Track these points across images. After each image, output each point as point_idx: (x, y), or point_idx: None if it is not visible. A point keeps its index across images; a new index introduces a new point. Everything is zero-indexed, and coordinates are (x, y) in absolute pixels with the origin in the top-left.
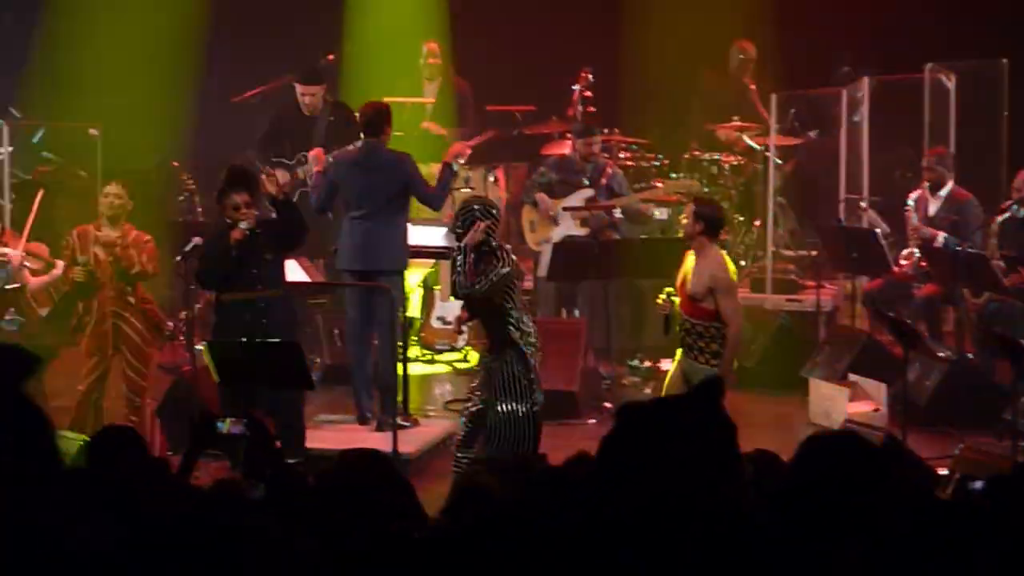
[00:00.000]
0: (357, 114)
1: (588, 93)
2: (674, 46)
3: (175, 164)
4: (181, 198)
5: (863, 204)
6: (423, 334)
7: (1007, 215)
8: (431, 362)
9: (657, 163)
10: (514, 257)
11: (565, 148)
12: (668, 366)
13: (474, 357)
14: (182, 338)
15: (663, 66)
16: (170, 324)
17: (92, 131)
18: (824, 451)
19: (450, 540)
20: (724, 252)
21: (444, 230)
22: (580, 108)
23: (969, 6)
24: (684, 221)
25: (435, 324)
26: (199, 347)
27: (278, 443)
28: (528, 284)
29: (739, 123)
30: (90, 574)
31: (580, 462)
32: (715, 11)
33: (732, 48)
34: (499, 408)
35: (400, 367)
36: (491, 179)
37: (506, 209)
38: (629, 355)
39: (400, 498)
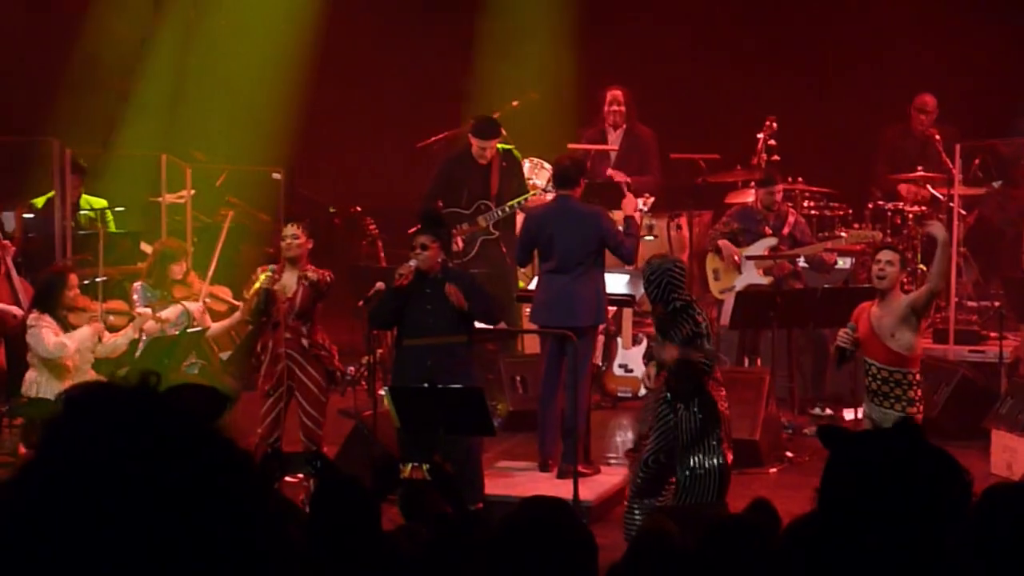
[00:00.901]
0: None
1: (772, 142)
2: (857, 95)
3: (358, 209)
4: (364, 243)
5: None
6: (605, 382)
7: None
8: (612, 408)
9: (841, 212)
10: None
11: (748, 197)
12: (850, 415)
13: None
14: (364, 383)
15: (847, 115)
16: (351, 369)
17: (275, 175)
18: (1005, 502)
19: None
20: None
21: (627, 277)
22: (764, 156)
23: None
24: (886, 268)
25: (617, 372)
26: (381, 392)
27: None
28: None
29: (922, 173)
30: None
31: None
32: (897, 63)
33: (915, 102)
34: (691, 461)
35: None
36: (675, 227)
37: (689, 258)
38: (811, 404)
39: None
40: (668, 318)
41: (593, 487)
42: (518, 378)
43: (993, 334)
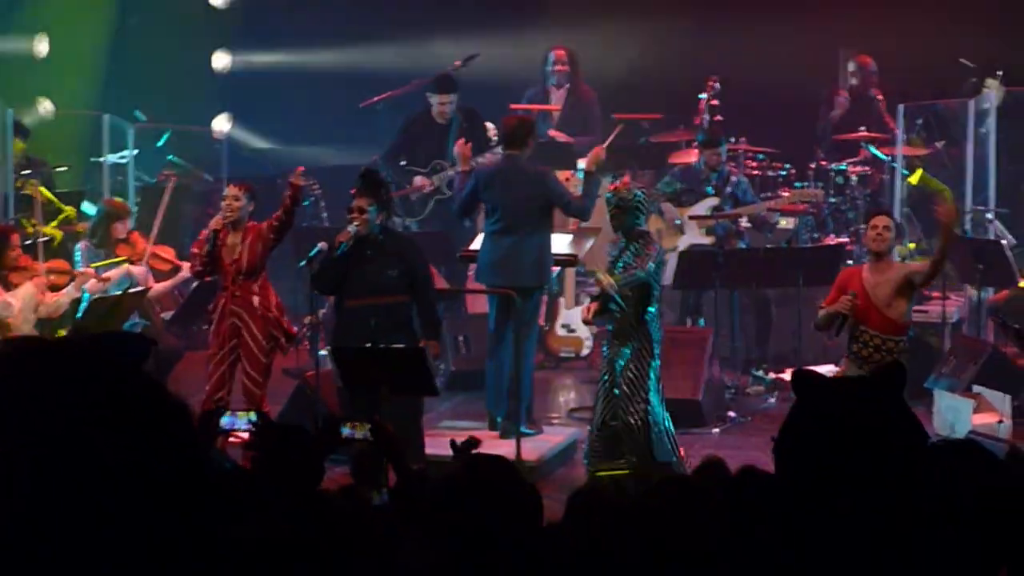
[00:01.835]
0: (490, 124)
1: (715, 102)
2: (797, 55)
3: (301, 169)
4: (306, 203)
5: (990, 215)
6: (548, 342)
7: None
8: (555, 368)
9: (784, 172)
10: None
11: (691, 157)
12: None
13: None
14: (307, 343)
15: (789, 75)
16: (294, 329)
17: (218, 135)
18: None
19: (569, 547)
20: None
21: (570, 237)
22: (707, 117)
23: None
24: (884, 233)
25: (560, 332)
26: (323, 352)
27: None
28: None
29: (865, 133)
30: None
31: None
32: (836, 22)
33: (852, 63)
34: (638, 407)
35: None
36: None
37: None
38: (754, 365)
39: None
40: (627, 245)
41: (536, 447)
42: (461, 338)
43: (936, 294)
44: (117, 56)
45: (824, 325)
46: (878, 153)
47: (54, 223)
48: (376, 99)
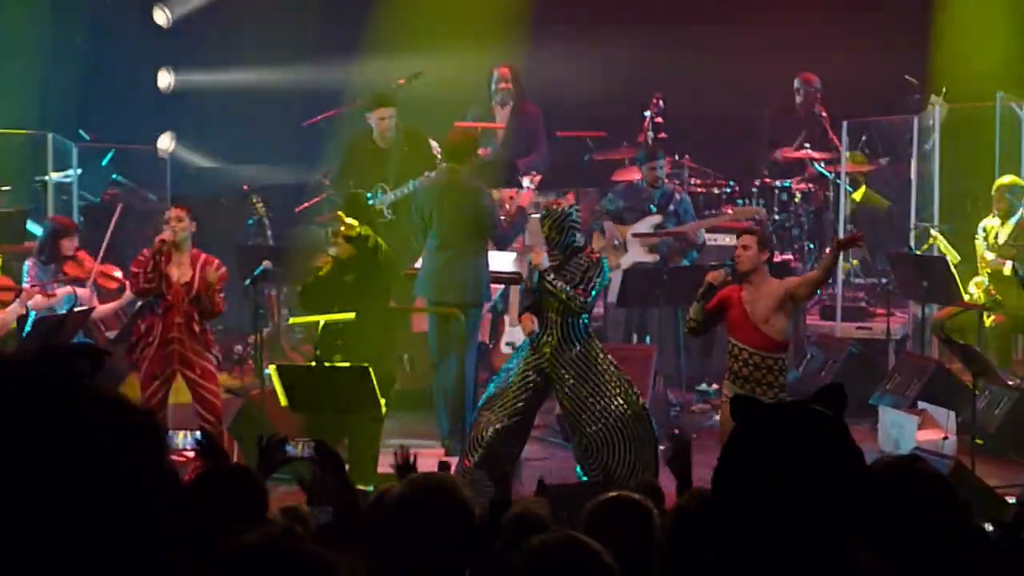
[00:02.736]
0: (435, 143)
1: (659, 119)
2: (742, 73)
3: (245, 188)
4: (251, 222)
5: (933, 232)
6: (492, 359)
7: None
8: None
9: (728, 190)
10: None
11: (635, 175)
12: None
13: None
14: (251, 362)
15: (733, 92)
16: (238, 348)
17: (162, 154)
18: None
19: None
20: None
21: (514, 255)
22: (651, 134)
23: None
24: (741, 253)
25: (504, 349)
26: (267, 371)
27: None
28: (598, 310)
29: (808, 152)
30: None
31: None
32: (782, 39)
33: (797, 80)
34: (612, 406)
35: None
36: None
37: None
38: (697, 381)
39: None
40: (563, 262)
41: None
42: (406, 356)
43: (880, 311)
44: (60, 75)
45: (698, 317)
46: (823, 170)
47: None
48: (319, 117)
